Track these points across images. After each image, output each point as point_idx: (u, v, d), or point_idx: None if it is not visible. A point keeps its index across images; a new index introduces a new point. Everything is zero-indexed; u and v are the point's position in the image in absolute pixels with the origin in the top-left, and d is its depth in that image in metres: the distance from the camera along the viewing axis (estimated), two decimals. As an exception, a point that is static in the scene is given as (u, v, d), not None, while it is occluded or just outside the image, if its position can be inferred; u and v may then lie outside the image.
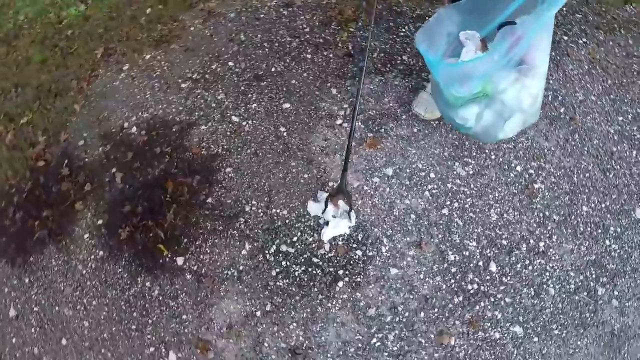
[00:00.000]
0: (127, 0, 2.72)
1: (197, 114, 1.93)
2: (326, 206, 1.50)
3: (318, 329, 1.42)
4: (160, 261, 1.61)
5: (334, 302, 1.45)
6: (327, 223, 1.52)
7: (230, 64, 2.08)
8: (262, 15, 2.29)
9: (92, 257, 1.70)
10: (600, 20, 2.46)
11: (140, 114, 2.00)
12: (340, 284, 1.47)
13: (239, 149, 1.78)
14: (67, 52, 2.48)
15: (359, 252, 1.52)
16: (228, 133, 1.84)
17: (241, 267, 1.52)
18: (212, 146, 1.82)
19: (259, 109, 1.89)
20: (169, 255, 1.60)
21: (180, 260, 1.58)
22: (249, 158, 1.75)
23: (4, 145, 2.11)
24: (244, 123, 1.86)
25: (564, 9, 2.48)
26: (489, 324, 1.44)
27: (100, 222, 1.75)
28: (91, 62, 2.35)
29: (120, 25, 2.54)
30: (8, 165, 2.07)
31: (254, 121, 1.85)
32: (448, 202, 1.63)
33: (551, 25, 1.41)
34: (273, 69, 2.02)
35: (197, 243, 1.60)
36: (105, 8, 2.71)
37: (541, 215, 1.65)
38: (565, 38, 2.24)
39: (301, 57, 2.05)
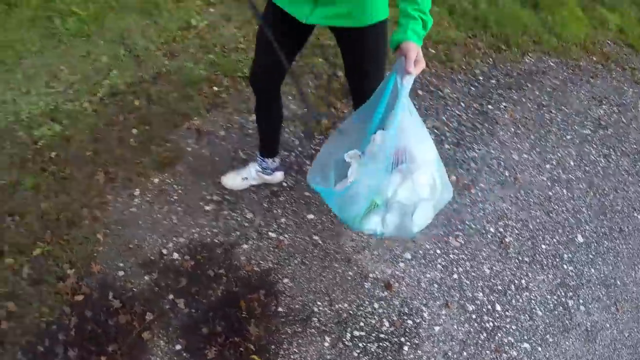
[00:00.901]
0: (106, 122, 3.16)
1: (234, 234, 2.65)
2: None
3: (402, 385, 2.29)
4: (258, 368, 2.34)
5: (406, 363, 2.34)
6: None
7: (244, 183, 2.83)
8: (250, 131, 3.08)
9: (184, 380, 2.33)
10: (509, 80, 3.60)
11: (175, 239, 2.59)
12: (405, 348, 2.35)
13: (287, 261, 2.57)
14: (60, 177, 2.81)
15: (409, 322, 2.41)
16: (271, 248, 2.61)
17: (329, 357, 2.33)
18: (261, 262, 2.57)
19: (289, 223, 2.69)
20: (264, 362, 2.34)
21: (276, 364, 2.34)
22: (299, 267, 2.55)
23: (23, 280, 2.38)
24: (281, 237, 2.64)
25: (480, 77, 3.59)
26: (507, 347, 2.42)
27: (178, 347, 2.29)
28: (96, 189, 2.77)
29: (109, 147, 2.97)
30: (37, 301, 2.30)
31: (289, 234, 2.65)
32: (455, 269, 2.59)
33: (410, 112, 1.67)
34: (285, 184, 2.83)
35: (284, 347, 2.36)
36: (85, 129, 3.09)
37: (517, 260, 2.67)
38: (490, 107, 3.33)
39: (304, 170, 2.88)
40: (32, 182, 2.78)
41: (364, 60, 2.07)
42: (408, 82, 1.62)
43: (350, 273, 2.52)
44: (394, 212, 1.77)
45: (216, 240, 2.62)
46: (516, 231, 2.78)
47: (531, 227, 2.81)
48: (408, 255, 2.60)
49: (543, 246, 2.75)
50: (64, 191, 2.76)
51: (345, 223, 1.92)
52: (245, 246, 2.61)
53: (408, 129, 1.66)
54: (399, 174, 1.70)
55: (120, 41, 3.95)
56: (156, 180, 2.87)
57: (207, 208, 2.75)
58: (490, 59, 3.76)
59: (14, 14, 4.38)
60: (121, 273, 2.42)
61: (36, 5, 4.39)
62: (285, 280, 2.51)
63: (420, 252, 2.61)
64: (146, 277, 2.42)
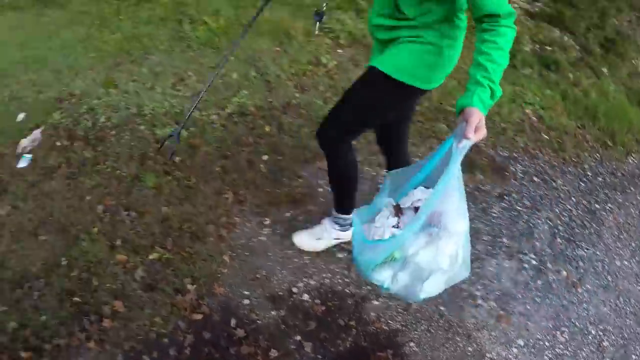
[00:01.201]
0: (235, 140, 3.46)
1: (365, 288, 3.01)
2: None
3: None
4: (382, 420, 2.76)
5: None
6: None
7: (375, 242, 3.24)
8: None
9: (312, 415, 2.74)
10: (614, 180, 4.02)
11: (305, 280, 2.89)
12: None
13: (414, 326, 2.98)
14: (185, 185, 3.07)
15: (518, 405, 2.86)
16: (400, 309, 3.02)
17: (446, 423, 2.77)
18: (390, 322, 2.98)
19: (417, 289, 3.11)
20: (388, 416, 2.76)
21: (399, 420, 2.76)
22: (425, 334, 2.97)
23: (135, 282, 2.52)
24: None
25: (589, 173, 4.02)
26: None
27: (303, 387, 2.70)
28: (224, 207, 3.02)
29: (238, 167, 3.27)
30: (150, 308, 2.41)
31: (417, 300, 3.07)
32: (559, 362, 3.04)
33: (459, 180, 1.71)
34: (414, 250, 3.24)
35: (408, 406, 2.80)
36: (212, 142, 3.41)
37: (611, 365, 3.13)
38: (597, 206, 3.76)
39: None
40: (153, 181, 3.06)
41: (351, 90, 2.41)
42: (464, 147, 1.67)
43: (469, 349, 2.95)
44: (407, 272, 1.83)
45: (347, 290, 2.99)
46: (613, 337, 3.22)
47: (625, 335, 3.25)
48: (521, 342, 3.03)
49: (633, 356, 3.19)
50: (189, 201, 3.05)
51: (357, 266, 2.04)
52: (375, 302, 2.99)
53: (451, 196, 1.71)
54: (427, 236, 1.76)
55: (251, 62, 4.32)
56: (287, 214, 3.21)
57: (339, 255, 3.12)
58: (598, 154, 4.18)
59: (144, 9, 4.77)
60: (246, 302, 2.63)
61: (167, 4, 4.76)
62: (412, 344, 2.91)
63: (532, 340, 3.04)
64: (273, 312, 2.64)
